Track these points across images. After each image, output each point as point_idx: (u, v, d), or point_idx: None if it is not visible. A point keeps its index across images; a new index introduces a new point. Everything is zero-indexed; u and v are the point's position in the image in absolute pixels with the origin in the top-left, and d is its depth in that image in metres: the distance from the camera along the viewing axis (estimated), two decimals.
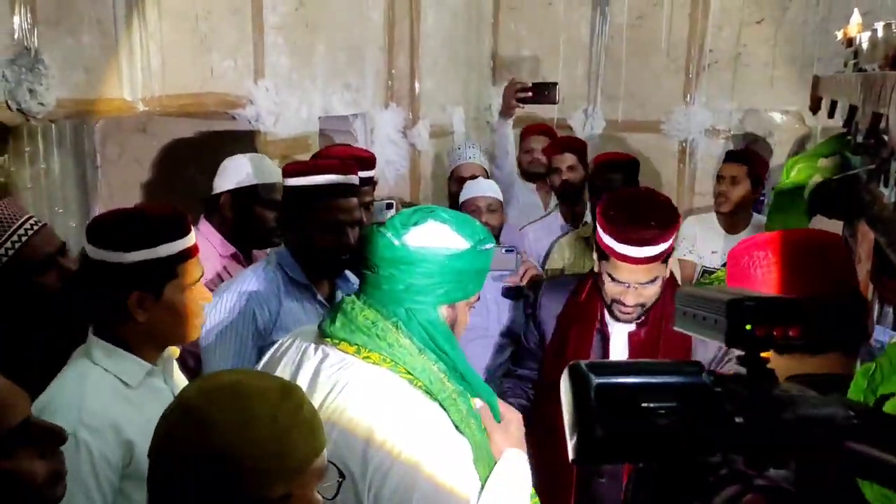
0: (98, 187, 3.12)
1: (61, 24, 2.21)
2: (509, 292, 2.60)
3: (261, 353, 1.87)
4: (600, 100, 4.48)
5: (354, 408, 1.24)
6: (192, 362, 2.16)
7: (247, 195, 2.29)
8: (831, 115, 2.37)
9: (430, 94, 4.10)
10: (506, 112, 3.31)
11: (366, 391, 1.25)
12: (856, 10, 2.64)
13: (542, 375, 2.11)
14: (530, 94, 3.25)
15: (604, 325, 1.95)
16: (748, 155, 3.26)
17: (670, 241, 1.84)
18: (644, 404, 0.67)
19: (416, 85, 3.99)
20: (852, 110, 1.99)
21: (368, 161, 2.53)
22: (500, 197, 2.71)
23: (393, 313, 1.30)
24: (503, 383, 2.23)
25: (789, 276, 1.09)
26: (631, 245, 1.77)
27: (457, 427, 1.27)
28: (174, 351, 1.58)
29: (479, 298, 1.40)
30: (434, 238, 1.30)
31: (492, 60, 4.70)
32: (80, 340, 1.51)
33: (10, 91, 2.07)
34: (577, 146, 3.26)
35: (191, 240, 1.50)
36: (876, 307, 2.41)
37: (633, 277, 1.81)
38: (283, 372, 1.35)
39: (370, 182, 2.53)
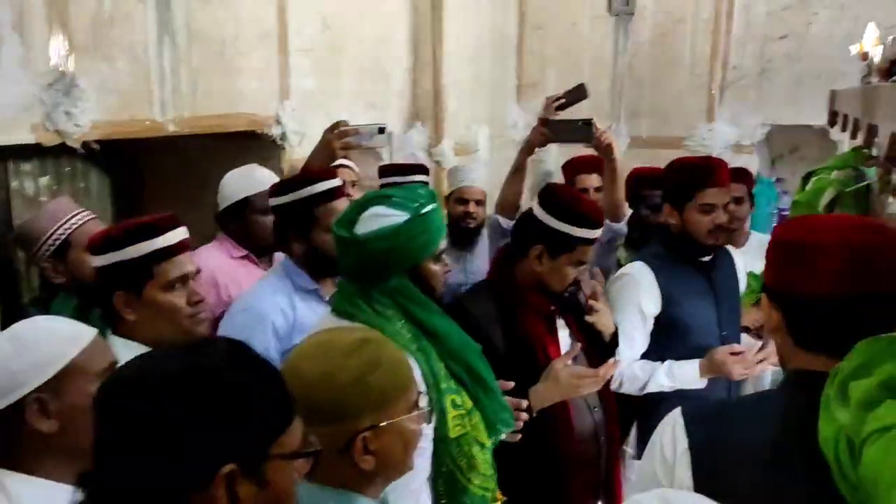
0: (133, 204, 3.27)
1: (96, 50, 2.34)
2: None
3: (283, 357, 1.98)
4: (624, 117, 4.51)
5: None
6: None
7: (241, 208, 2.40)
8: (844, 128, 2.38)
9: (455, 113, 4.18)
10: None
11: None
12: (871, 24, 2.65)
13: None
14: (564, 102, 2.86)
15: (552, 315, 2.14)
16: (745, 173, 3.26)
17: None
18: None
19: (441, 104, 4.08)
20: (856, 122, 2.01)
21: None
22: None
23: (366, 285, 1.56)
24: None
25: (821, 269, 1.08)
26: (596, 229, 2.08)
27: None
28: None
29: (443, 251, 1.63)
30: (376, 221, 1.52)
31: (516, 79, 4.77)
32: None
33: (47, 113, 2.20)
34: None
35: (168, 240, 1.56)
36: None
37: (589, 256, 2.13)
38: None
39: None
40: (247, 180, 2.44)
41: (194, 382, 0.84)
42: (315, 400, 1.09)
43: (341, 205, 2.04)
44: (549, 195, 2.11)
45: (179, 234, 1.61)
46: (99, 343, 1.23)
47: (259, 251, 2.44)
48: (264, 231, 2.36)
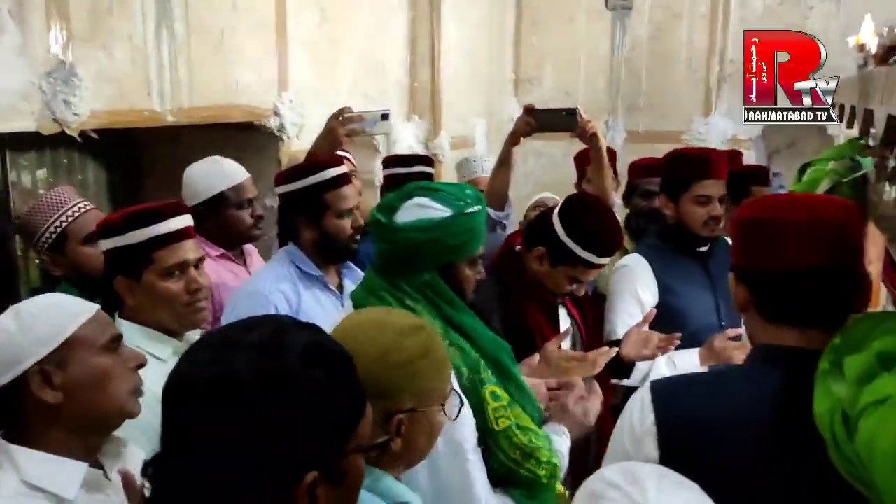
0: (130, 196, 3.26)
1: (95, 39, 2.34)
2: None
3: None
4: (621, 111, 4.53)
5: None
6: None
7: (217, 203, 2.31)
8: (840, 118, 2.39)
9: (452, 107, 4.20)
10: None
11: None
12: (867, 16, 2.66)
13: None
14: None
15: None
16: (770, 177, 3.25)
17: None
18: None
19: (438, 98, 4.09)
20: (853, 110, 2.02)
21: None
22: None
23: (396, 278, 1.50)
24: None
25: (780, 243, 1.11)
26: (608, 257, 2.07)
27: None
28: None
29: (481, 256, 1.57)
30: (418, 212, 1.48)
31: (513, 74, 4.78)
32: None
33: (46, 102, 2.20)
34: None
35: (169, 226, 1.57)
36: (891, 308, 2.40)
37: (589, 278, 2.10)
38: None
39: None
40: (217, 175, 2.34)
41: (273, 387, 0.79)
42: (365, 376, 1.06)
43: (350, 190, 2.05)
44: (570, 206, 2.06)
45: (182, 221, 1.61)
46: (101, 317, 1.24)
47: (231, 247, 2.38)
48: (241, 225, 2.33)
